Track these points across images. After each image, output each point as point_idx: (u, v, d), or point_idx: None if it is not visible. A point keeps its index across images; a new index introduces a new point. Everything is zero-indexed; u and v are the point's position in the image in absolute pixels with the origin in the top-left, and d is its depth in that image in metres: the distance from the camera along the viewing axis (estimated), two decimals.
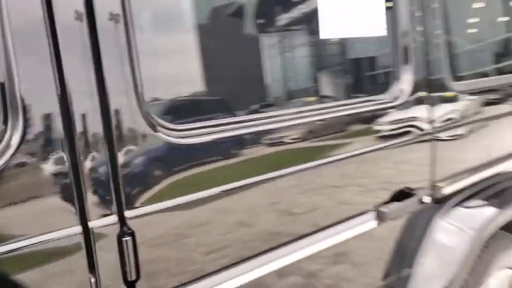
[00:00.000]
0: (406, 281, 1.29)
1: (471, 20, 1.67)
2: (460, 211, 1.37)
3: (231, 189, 0.83)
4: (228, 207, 0.84)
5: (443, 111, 1.33)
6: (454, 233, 1.34)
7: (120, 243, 0.71)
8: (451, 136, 1.36)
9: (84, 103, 0.67)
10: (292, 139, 0.95)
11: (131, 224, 0.72)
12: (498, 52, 1.82)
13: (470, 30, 1.68)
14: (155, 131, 0.75)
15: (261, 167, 0.89)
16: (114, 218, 0.71)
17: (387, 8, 1.14)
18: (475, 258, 1.36)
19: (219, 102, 0.91)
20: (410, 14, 1.19)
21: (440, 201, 1.33)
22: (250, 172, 0.87)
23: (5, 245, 0.61)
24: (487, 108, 1.52)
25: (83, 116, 0.66)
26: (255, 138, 0.88)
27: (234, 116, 0.90)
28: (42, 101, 0.64)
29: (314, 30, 1.01)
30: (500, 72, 1.72)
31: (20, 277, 0.63)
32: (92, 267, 0.69)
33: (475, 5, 1.70)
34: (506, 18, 1.84)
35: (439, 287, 1.28)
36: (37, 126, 0.63)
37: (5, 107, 0.61)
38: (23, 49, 0.62)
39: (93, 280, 0.69)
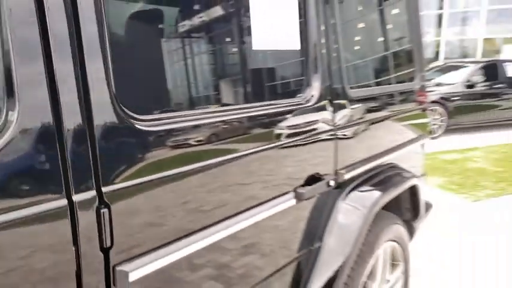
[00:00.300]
0: (317, 253, 1.55)
1: (361, 38, 2.04)
2: (355, 194, 1.69)
3: (186, 170, 0.98)
4: (184, 184, 0.99)
5: (342, 113, 1.63)
6: (351, 211, 1.64)
7: (98, 214, 0.82)
8: (348, 134, 1.68)
9: (69, 96, 0.77)
10: (228, 131, 1.13)
11: (107, 198, 0.83)
12: (382, 66, 2.24)
13: (361, 47, 2.05)
14: (125, 121, 0.87)
15: (208, 153, 1.06)
16: (93, 193, 0.81)
17: (300, 24, 1.40)
18: (366, 232, 1.69)
19: (172, 98, 1.06)
20: (317, 30, 1.46)
21: (341, 186, 1.63)
22: (200, 156, 1.03)
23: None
24: (373, 112, 1.88)
25: (69, 110, 0.77)
26: (202, 128, 1.04)
27: (186, 109, 1.06)
28: (34, 90, 0.73)
29: (249, 43, 1.23)
30: (383, 83, 2.14)
31: (12, 245, 0.71)
32: (75, 236, 0.79)
33: (363, 25, 2.09)
34: (385, 39, 2.28)
35: (342, 256, 1.57)
36: (30, 111, 0.72)
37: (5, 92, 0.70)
38: (19, 44, 0.71)
39: (74, 248, 0.79)
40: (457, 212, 4.11)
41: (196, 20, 1.14)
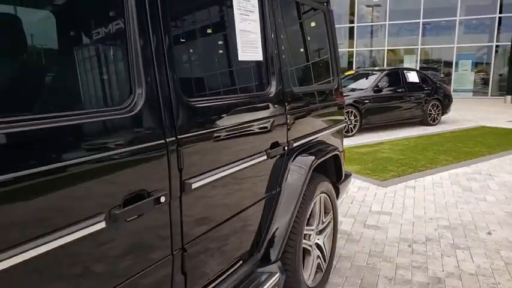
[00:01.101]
0: (278, 195, 2.32)
1: (299, 52, 2.87)
2: (299, 157, 2.48)
3: (214, 129, 1.71)
4: (212, 137, 1.71)
5: (289, 103, 2.42)
6: (297, 169, 2.43)
7: (176, 151, 1.50)
8: (294, 116, 2.46)
9: (163, 88, 1.45)
10: (228, 109, 1.86)
11: (180, 141, 1.52)
12: (312, 71, 3.07)
13: (299, 57, 2.86)
14: (185, 101, 1.57)
15: (222, 120, 1.78)
16: (174, 138, 1.49)
17: (262, 43, 2.17)
18: (307, 184, 2.49)
19: (203, 90, 1.79)
20: (272, 47, 2.24)
21: (291, 152, 2.42)
22: (219, 122, 1.76)
23: (129, 147, 1.35)
24: (308, 103, 2.70)
25: (164, 96, 1.45)
26: (221, 106, 1.77)
27: (211, 95, 1.79)
28: (149, 79, 1.40)
29: (234, 54, 1.98)
30: (313, 83, 2.99)
31: (138, 162, 1.38)
32: (168, 160, 1.47)
33: (301, 42, 2.92)
34: (314, 51, 3.13)
35: (293, 199, 2.34)
36: (147, 90, 1.40)
37: (137, 79, 1.37)
38: (143, 53, 1.39)
39: (167, 168, 1.47)
40: (372, 188, 5.18)
41: (205, 42, 1.88)
